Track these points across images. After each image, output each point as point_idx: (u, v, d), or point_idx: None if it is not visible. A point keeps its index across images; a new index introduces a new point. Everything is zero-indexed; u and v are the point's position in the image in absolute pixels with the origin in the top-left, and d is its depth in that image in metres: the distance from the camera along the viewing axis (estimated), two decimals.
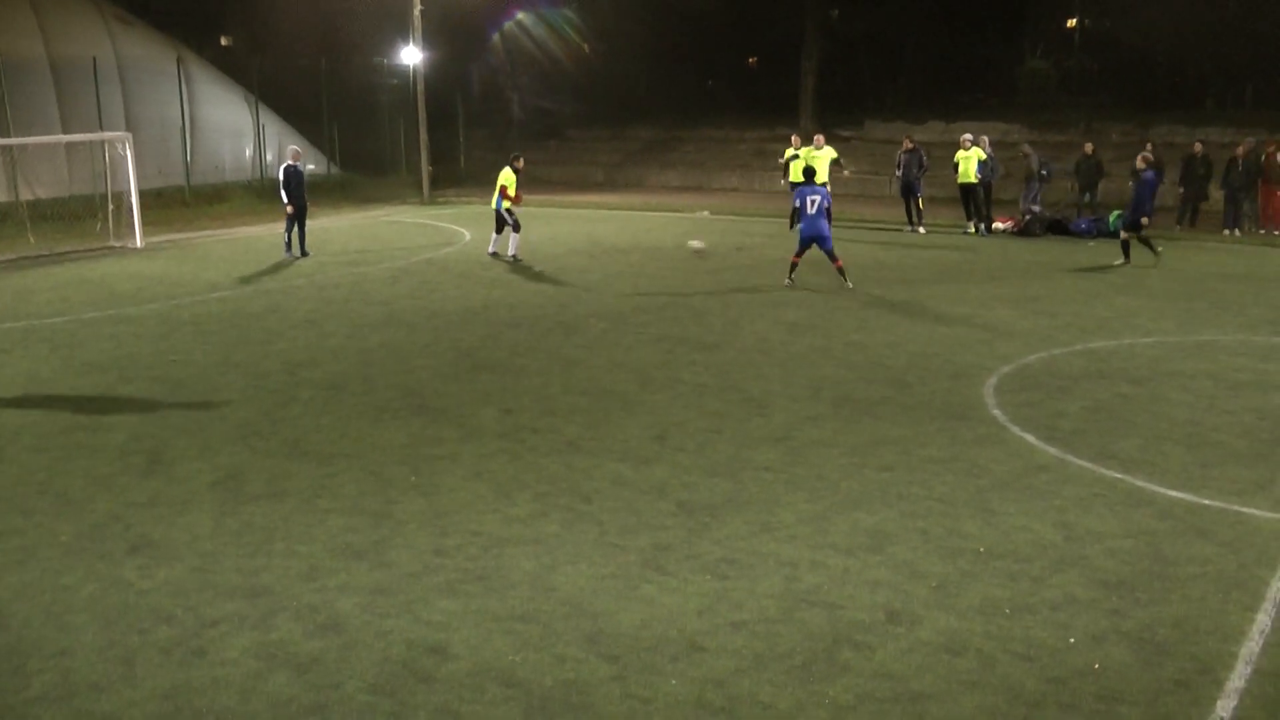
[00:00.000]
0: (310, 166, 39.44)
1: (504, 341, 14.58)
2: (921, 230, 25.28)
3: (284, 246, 22.87)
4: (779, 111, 41.66)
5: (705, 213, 29.86)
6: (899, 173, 25.91)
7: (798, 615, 6.88)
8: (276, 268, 21.61)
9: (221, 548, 8.10)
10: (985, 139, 25.98)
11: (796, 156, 24.54)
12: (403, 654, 6.42)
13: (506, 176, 21.48)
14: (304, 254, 22.66)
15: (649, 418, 11.11)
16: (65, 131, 32.65)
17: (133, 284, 20.42)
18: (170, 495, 9.25)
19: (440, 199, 34.30)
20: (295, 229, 22.68)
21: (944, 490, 9.03)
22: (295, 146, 24.23)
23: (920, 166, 25.50)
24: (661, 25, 44.12)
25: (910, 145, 25.80)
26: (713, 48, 49.27)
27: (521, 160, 22.22)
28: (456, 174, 39.49)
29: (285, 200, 22.37)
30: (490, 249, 22.15)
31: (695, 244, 21.54)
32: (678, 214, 30.04)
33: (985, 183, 25.06)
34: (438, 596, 7.15)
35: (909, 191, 25.68)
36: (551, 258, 21.91)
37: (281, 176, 22.50)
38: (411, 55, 35.02)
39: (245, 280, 20.33)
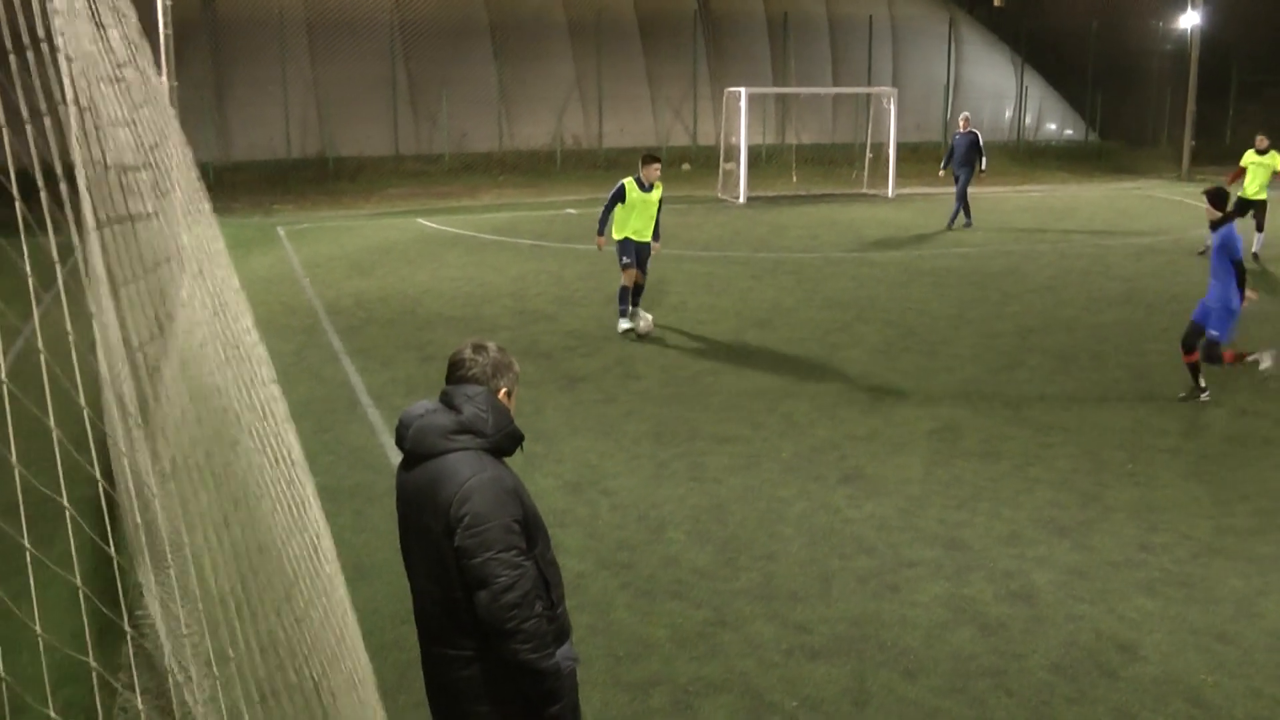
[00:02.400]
0: (1068, 132, 38.77)
1: (1256, 339, 13.26)
2: None
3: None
4: None
5: None
6: None
7: None
8: (1019, 230, 21.49)
9: (929, 494, 8.33)
10: None
11: None
12: (1090, 642, 6.19)
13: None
14: (963, 224, 21.84)
15: None
16: (836, 84, 35.08)
17: (880, 230, 21.47)
18: (888, 435, 9.68)
19: (1199, 176, 31.91)
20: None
21: None
22: (965, 114, 23.26)
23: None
24: None
25: None
26: None
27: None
28: (1220, 150, 36.50)
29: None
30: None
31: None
32: None
33: None
34: (1136, 593, 6.78)
35: None
36: None
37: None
38: (1189, 19, 32.80)
39: (988, 239, 20.49)
